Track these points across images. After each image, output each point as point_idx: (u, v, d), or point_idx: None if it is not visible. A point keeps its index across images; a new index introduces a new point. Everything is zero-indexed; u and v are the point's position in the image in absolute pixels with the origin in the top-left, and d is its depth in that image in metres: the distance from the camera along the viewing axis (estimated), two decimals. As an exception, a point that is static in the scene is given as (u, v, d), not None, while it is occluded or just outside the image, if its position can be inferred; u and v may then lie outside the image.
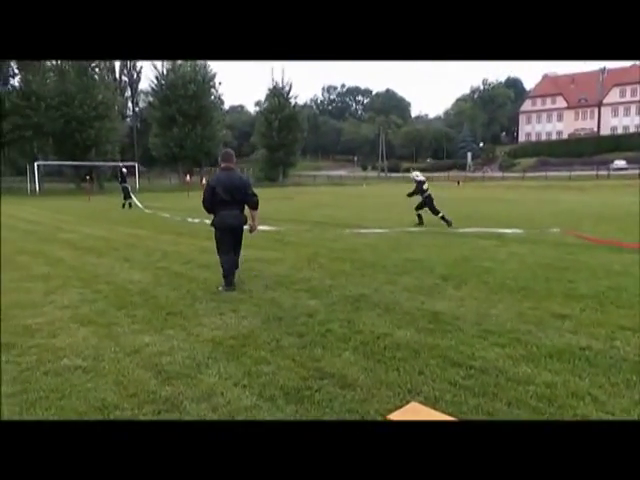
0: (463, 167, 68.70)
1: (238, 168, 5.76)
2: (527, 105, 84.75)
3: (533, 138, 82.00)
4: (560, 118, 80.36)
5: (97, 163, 39.82)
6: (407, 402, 2.79)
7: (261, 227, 11.89)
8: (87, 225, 13.28)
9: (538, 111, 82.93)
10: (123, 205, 19.27)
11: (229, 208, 5.36)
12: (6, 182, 41.31)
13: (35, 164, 36.22)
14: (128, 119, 70.15)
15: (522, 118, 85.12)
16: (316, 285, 5.70)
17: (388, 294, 5.23)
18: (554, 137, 78.21)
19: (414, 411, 2.43)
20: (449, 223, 11.18)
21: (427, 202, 11.52)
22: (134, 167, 36.64)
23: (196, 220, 13.04)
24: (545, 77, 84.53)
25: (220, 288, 5.49)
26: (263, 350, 3.64)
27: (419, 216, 11.69)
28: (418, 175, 11.89)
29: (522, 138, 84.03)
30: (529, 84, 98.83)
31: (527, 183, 45.01)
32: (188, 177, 36.43)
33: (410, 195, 12.02)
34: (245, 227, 5.65)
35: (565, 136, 75.94)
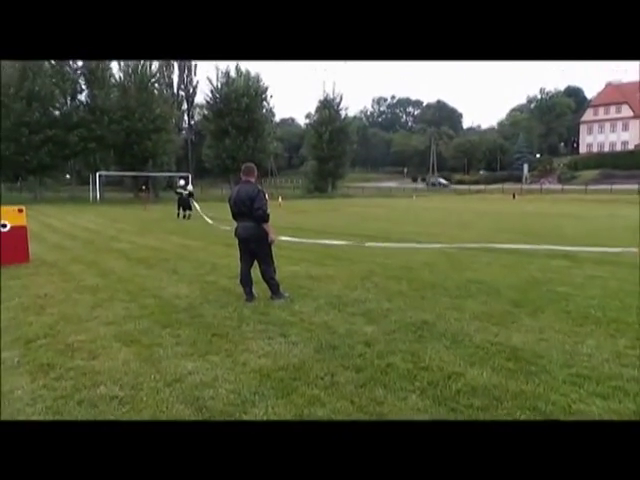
0: (518, 179, 65.91)
1: (258, 182, 5.80)
2: (589, 114, 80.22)
3: (595, 149, 77.45)
4: (625, 128, 75.49)
5: (153, 174, 41.21)
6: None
7: (311, 240, 11.75)
8: (141, 234, 13.46)
9: (601, 120, 78.29)
10: (178, 215, 19.55)
11: (240, 220, 5.53)
12: (72, 191, 43.76)
13: (97, 174, 38.03)
14: (184, 132, 72.58)
15: (583, 128, 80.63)
16: (372, 308, 5.22)
17: (454, 322, 4.67)
18: (619, 148, 73.53)
19: None
20: (185, 217, 19.09)
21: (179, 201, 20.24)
22: (188, 178, 37.53)
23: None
24: (609, 85, 79.83)
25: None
26: (316, 387, 3.21)
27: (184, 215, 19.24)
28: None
29: (583, 149, 79.52)
30: (590, 93, 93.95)
31: (590, 196, 42.39)
32: None
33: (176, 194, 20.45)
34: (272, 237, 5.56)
35: (631, 147, 71.20)
